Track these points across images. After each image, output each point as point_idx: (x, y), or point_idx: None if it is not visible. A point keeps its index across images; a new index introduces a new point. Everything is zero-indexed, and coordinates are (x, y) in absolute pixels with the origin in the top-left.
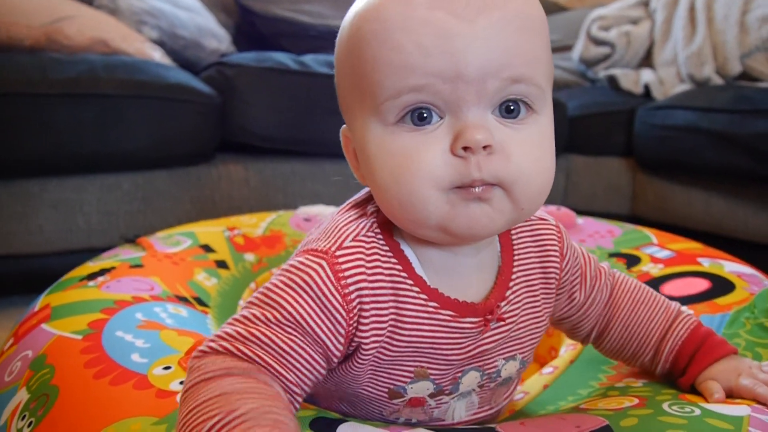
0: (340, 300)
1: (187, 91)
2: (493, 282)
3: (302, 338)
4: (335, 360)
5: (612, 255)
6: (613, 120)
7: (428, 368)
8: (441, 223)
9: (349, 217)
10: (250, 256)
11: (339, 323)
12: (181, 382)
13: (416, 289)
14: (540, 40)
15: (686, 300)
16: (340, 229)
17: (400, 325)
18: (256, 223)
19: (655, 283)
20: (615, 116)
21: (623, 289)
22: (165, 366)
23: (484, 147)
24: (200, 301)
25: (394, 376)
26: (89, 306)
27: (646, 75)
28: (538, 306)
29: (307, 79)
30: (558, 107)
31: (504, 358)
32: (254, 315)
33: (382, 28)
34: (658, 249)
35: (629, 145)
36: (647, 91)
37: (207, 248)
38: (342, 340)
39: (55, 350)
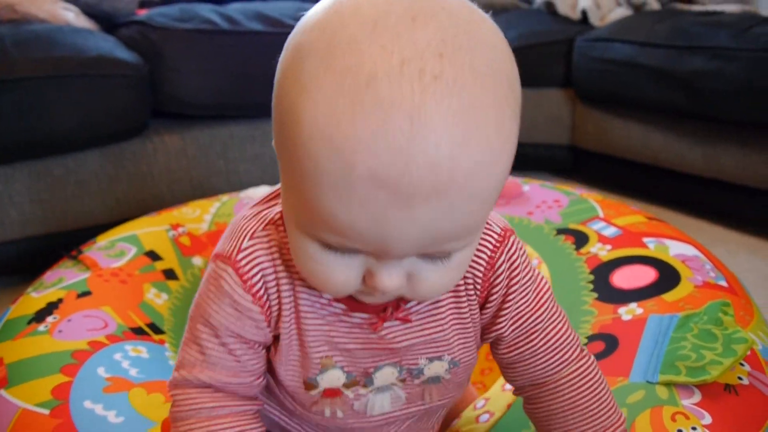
0: (252, 299)
1: (111, 64)
2: None
3: (239, 341)
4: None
5: (560, 231)
6: (551, 51)
7: (334, 357)
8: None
9: (250, 214)
10: (197, 260)
11: (259, 320)
12: None
13: None
14: (485, 207)
15: (635, 294)
16: (239, 229)
17: (299, 315)
18: (200, 216)
19: (605, 269)
20: (553, 47)
21: (578, 377)
22: None
23: None
24: (155, 328)
25: (305, 367)
26: (47, 363)
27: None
28: (464, 309)
29: (238, 38)
30: None
31: (427, 358)
32: (196, 336)
33: (320, 181)
34: (604, 225)
35: (568, 76)
36: (585, 17)
37: (153, 255)
38: (269, 332)
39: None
